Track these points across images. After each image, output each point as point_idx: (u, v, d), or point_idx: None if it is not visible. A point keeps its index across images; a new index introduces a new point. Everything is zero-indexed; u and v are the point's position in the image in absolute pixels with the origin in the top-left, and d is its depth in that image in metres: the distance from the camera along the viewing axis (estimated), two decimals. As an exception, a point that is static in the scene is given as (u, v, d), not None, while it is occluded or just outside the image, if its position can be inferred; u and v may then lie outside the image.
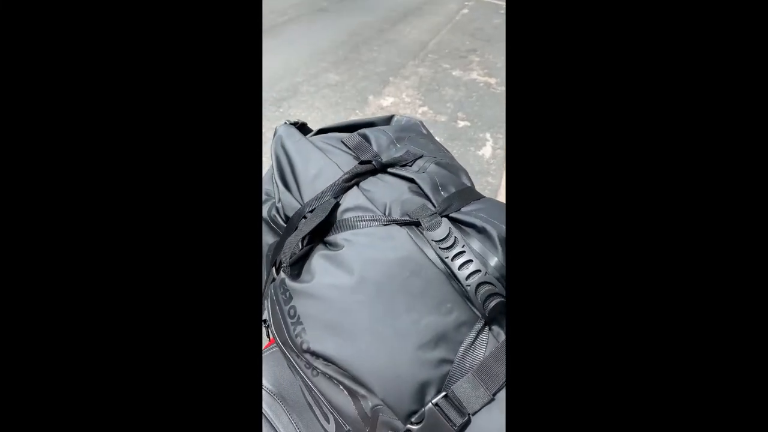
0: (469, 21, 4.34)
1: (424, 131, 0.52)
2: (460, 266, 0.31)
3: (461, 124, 2.45)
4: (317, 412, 0.35)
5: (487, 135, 2.37)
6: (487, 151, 2.23)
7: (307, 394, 0.36)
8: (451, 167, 0.43)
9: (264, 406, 0.43)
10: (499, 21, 4.29)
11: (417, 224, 0.35)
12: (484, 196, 0.44)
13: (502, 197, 1.95)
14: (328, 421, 0.34)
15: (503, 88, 2.81)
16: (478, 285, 0.30)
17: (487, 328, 0.31)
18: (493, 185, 1.99)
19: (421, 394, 0.29)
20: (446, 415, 0.28)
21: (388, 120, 0.55)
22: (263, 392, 0.44)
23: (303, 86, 2.65)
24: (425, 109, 2.57)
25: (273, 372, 0.45)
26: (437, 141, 0.52)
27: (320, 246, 0.36)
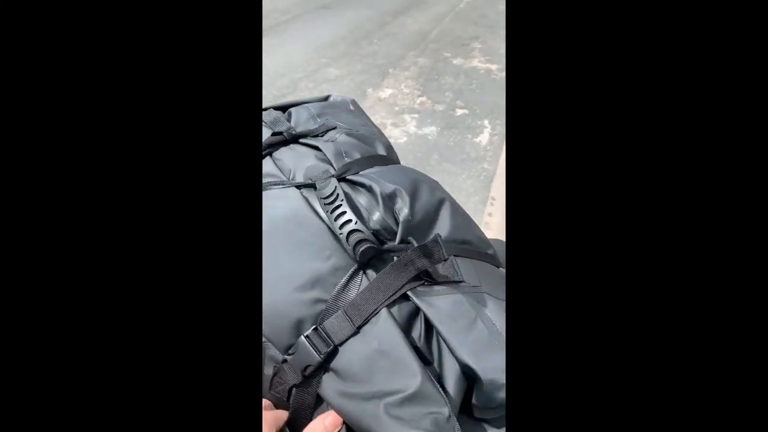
0: (473, 8, 4.30)
1: (352, 108, 0.55)
2: (337, 218, 0.34)
3: (459, 112, 2.45)
4: None
5: (486, 122, 2.36)
6: (484, 138, 2.23)
7: None
8: (364, 138, 0.46)
9: None
10: (504, 6, 4.24)
11: (314, 186, 0.38)
12: (395, 164, 0.47)
13: (497, 183, 1.95)
14: None
15: (504, 74, 2.79)
16: (349, 233, 0.33)
17: (360, 272, 0.34)
18: (489, 171, 1.99)
19: (297, 329, 0.32)
20: (315, 345, 0.31)
21: (323, 100, 0.59)
22: None
23: (302, 82, 2.71)
24: (423, 99, 2.58)
25: None
26: (365, 117, 0.55)
27: None
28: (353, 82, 2.73)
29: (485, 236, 0.43)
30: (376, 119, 2.33)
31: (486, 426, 0.31)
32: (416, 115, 2.38)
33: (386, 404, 0.28)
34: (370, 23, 3.84)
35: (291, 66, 2.93)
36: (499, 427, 0.31)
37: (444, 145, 2.16)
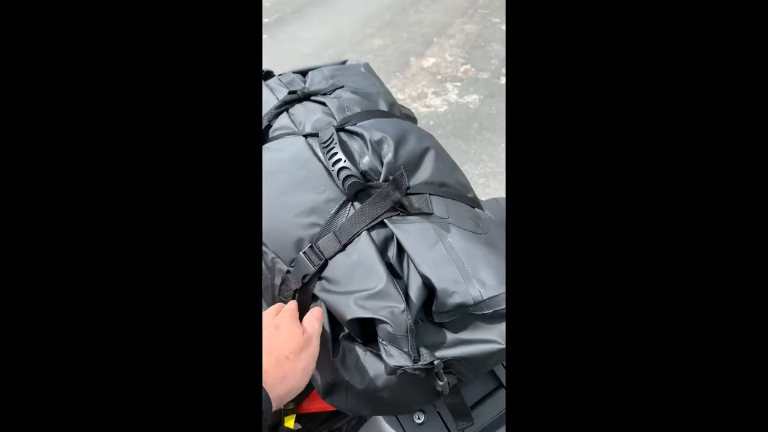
0: (528, -31, 4.06)
1: (363, 70, 0.61)
2: (331, 158, 0.42)
3: (504, 80, 2.40)
4: None
5: (531, 89, 2.29)
6: (528, 105, 2.18)
7: None
8: (367, 95, 0.53)
9: None
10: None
11: (316, 135, 0.46)
12: (395, 117, 0.54)
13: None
14: None
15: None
16: (339, 170, 0.41)
17: (349, 204, 0.41)
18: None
19: (297, 247, 0.41)
20: (311, 259, 0.40)
21: (341, 64, 0.66)
22: None
23: (347, 53, 2.76)
24: (467, 66, 2.54)
25: None
26: (374, 78, 0.61)
27: None
28: (397, 51, 2.74)
29: (467, 181, 0.48)
30: (417, 88, 2.35)
31: (444, 329, 0.38)
32: (458, 84, 2.37)
33: (356, 297, 0.36)
34: (417, -11, 3.77)
35: (337, 37, 2.99)
36: (454, 331, 0.38)
37: (485, 113, 2.14)
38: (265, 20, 3.34)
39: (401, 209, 0.40)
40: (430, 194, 0.42)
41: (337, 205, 0.41)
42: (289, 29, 3.15)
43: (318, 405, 0.55)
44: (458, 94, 2.28)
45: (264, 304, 0.46)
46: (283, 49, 2.87)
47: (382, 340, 0.35)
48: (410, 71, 2.53)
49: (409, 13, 3.30)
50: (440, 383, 0.34)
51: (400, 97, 2.31)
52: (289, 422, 0.53)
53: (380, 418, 0.50)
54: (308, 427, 0.60)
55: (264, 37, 3.07)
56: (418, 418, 0.48)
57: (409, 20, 3.19)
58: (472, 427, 0.46)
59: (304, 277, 0.40)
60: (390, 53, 2.72)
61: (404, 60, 2.63)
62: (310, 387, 0.50)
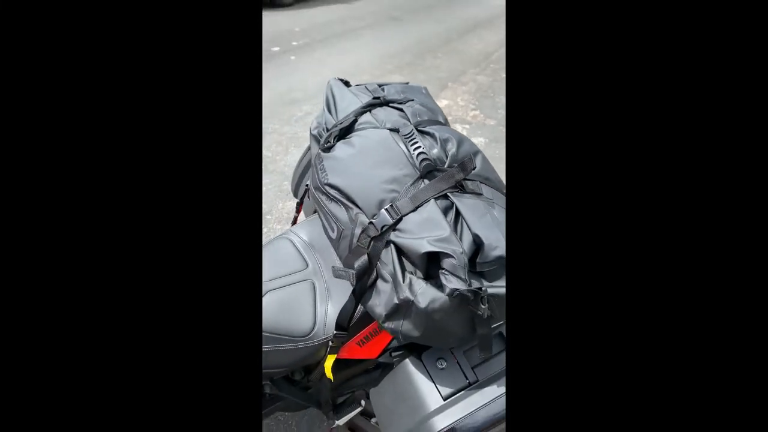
0: (537, 36, 4.45)
1: (424, 92, 0.77)
2: (412, 145, 0.57)
3: (508, 128, 2.63)
4: (327, 226, 0.62)
5: (532, 140, 2.52)
6: (528, 154, 2.39)
7: (323, 218, 0.63)
8: (431, 109, 0.69)
9: (301, 250, 0.71)
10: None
11: (397, 130, 0.61)
12: (444, 125, 0.69)
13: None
14: (333, 231, 0.61)
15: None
16: (418, 154, 0.56)
17: (421, 180, 0.56)
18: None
19: (380, 205, 0.55)
20: (390, 214, 0.54)
21: (404, 83, 0.82)
22: (300, 241, 0.72)
23: (369, 84, 2.99)
24: (476, 112, 2.78)
25: (310, 230, 0.73)
26: (432, 99, 0.78)
27: (342, 140, 0.64)
28: (414, 89, 2.97)
29: (501, 180, 0.64)
30: (430, 124, 2.54)
31: (483, 275, 0.52)
32: (467, 126, 2.58)
33: (428, 239, 0.50)
34: (437, 39, 4.10)
35: (359, 69, 3.23)
36: (491, 279, 0.52)
37: (489, 155, 2.34)
38: (293, 43, 3.59)
39: (460, 188, 0.55)
40: (480, 182, 0.57)
41: (413, 180, 0.55)
42: (315, 54, 3.39)
43: (356, 352, 0.66)
44: (466, 135, 2.49)
45: (345, 251, 0.59)
46: (309, 70, 3.08)
47: (445, 270, 0.48)
48: (424, 108, 2.75)
49: (427, 58, 3.59)
50: (482, 307, 0.47)
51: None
52: (329, 361, 0.64)
53: (410, 365, 0.62)
54: (339, 377, 0.71)
55: (291, 58, 3.30)
56: (441, 365, 0.60)
57: (426, 64, 3.47)
58: (484, 372, 0.59)
59: (383, 227, 0.53)
60: (407, 90, 2.95)
61: (420, 98, 2.86)
62: (356, 330, 0.62)
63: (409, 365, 0.62)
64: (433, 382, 0.58)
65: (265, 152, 2.11)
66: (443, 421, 0.55)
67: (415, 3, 5.36)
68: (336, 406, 0.78)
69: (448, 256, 0.48)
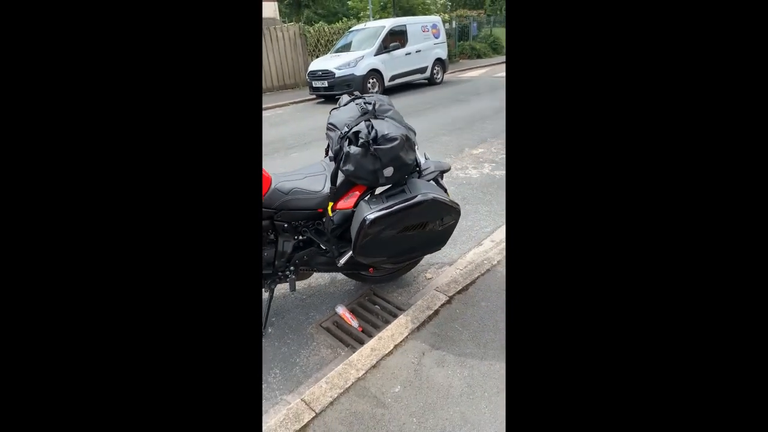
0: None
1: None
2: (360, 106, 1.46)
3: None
4: (330, 143, 1.49)
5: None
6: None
7: (328, 140, 1.52)
8: (395, 113, 1.56)
9: (324, 162, 1.60)
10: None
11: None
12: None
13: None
14: (331, 142, 1.49)
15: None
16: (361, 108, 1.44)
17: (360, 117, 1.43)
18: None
19: (345, 127, 1.44)
20: (347, 126, 1.42)
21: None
22: (324, 162, 1.62)
23: (424, 143, 3.95)
24: (503, 156, 3.51)
25: (324, 161, 1.63)
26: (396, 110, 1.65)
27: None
28: (457, 145, 3.84)
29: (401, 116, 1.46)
30: (462, 165, 3.34)
31: (378, 142, 1.34)
32: (494, 164, 3.32)
33: (352, 129, 1.36)
34: (490, 110, 5.02)
35: (422, 133, 4.26)
36: (381, 145, 1.34)
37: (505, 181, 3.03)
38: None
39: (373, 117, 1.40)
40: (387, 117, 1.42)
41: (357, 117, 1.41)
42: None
43: (342, 206, 1.49)
44: (490, 170, 3.21)
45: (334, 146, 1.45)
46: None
47: (361, 138, 1.31)
48: (462, 155, 3.58)
49: (476, 124, 4.49)
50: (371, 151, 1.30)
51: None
52: (330, 205, 1.47)
53: (361, 203, 1.43)
54: (336, 229, 1.53)
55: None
56: (373, 201, 1.40)
57: (474, 128, 4.36)
58: (393, 200, 1.37)
59: (344, 133, 1.38)
60: (453, 145, 3.84)
61: (460, 149, 3.71)
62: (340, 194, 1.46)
63: (361, 203, 1.42)
64: (369, 205, 1.37)
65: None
66: (370, 214, 1.33)
67: (475, 88, 6.45)
68: (340, 254, 1.56)
69: (358, 132, 1.32)
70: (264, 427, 1.09)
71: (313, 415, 1.12)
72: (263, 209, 1.39)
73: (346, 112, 1.45)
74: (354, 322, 1.56)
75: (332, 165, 1.43)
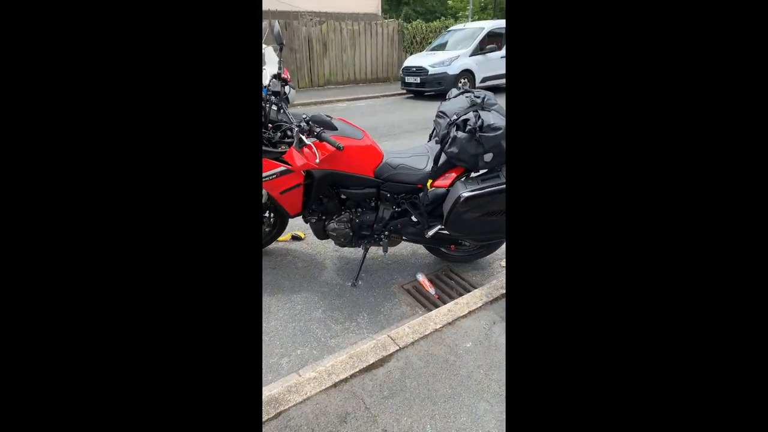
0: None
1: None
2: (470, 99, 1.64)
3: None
4: (436, 129, 1.69)
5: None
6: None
7: (435, 126, 1.71)
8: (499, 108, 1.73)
9: (428, 146, 1.82)
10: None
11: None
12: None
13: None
14: (438, 128, 1.67)
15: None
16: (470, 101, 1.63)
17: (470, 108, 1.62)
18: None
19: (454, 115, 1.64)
20: (457, 115, 1.63)
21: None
22: (427, 145, 1.84)
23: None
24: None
25: (428, 142, 1.85)
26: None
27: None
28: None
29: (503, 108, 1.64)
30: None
31: (483, 130, 1.53)
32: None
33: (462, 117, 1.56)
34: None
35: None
36: (487, 132, 1.53)
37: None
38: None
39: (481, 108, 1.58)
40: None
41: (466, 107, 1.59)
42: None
43: (440, 185, 1.71)
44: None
45: (442, 131, 1.67)
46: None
47: (470, 125, 1.52)
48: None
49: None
50: (476, 138, 1.50)
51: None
52: (429, 182, 1.69)
53: (457, 182, 1.63)
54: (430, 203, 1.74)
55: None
56: (470, 182, 1.60)
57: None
58: (488, 183, 1.56)
59: (453, 120, 1.59)
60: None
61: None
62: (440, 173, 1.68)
63: (457, 183, 1.62)
64: (465, 185, 1.57)
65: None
66: (465, 192, 1.53)
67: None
68: (429, 227, 1.76)
69: (467, 120, 1.51)
70: (356, 350, 1.34)
71: (397, 348, 1.35)
72: (373, 179, 1.64)
73: (456, 102, 1.65)
74: (431, 290, 1.76)
75: (436, 148, 1.64)
